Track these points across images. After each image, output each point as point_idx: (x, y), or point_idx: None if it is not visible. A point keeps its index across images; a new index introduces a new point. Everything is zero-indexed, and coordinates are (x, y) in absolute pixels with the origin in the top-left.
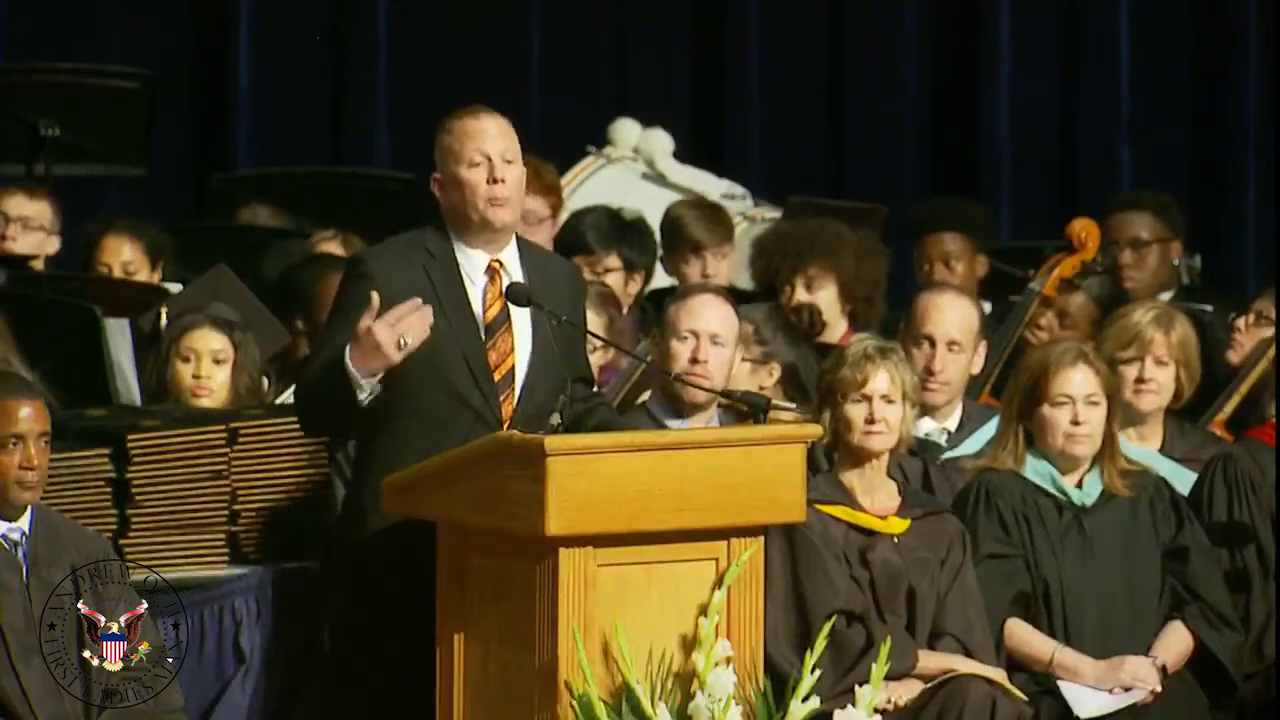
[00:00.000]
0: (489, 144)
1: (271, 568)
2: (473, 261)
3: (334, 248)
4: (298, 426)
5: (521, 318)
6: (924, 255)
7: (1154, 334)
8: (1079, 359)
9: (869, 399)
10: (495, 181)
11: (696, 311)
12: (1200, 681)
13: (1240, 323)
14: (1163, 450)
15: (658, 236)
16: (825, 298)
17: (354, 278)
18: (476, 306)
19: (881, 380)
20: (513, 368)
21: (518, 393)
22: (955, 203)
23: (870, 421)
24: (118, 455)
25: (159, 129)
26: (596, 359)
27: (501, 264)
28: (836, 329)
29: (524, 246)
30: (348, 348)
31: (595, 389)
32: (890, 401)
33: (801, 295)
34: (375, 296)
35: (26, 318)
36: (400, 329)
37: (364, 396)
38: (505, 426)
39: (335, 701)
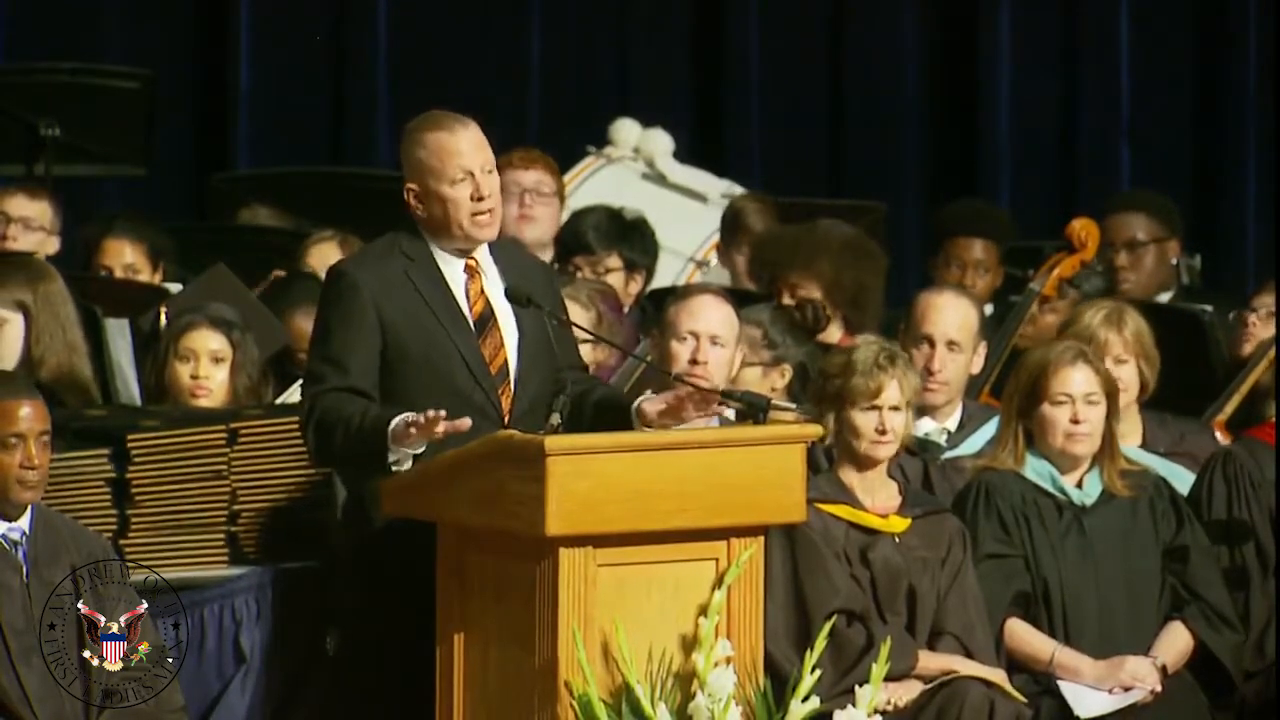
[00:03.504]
0: (469, 159)
1: (271, 568)
2: (450, 263)
3: (332, 248)
4: (298, 428)
5: (505, 311)
6: (953, 257)
7: (1108, 334)
8: (1078, 358)
9: (879, 409)
10: (481, 198)
11: (696, 312)
12: (1200, 681)
13: (1254, 317)
14: (1144, 445)
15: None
16: None
17: (343, 289)
18: (463, 306)
19: (893, 391)
20: (505, 361)
21: (513, 386)
22: (988, 208)
23: (881, 432)
24: (118, 455)
25: (159, 129)
26: (589, 355)
27: (478, 263)
28: (834, 330)
29: (494, 246)
30: (391, 425)
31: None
32: (897, 410)
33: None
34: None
35: None
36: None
37: (397, 466)
38: (506, 420)
39: (335, 701)
